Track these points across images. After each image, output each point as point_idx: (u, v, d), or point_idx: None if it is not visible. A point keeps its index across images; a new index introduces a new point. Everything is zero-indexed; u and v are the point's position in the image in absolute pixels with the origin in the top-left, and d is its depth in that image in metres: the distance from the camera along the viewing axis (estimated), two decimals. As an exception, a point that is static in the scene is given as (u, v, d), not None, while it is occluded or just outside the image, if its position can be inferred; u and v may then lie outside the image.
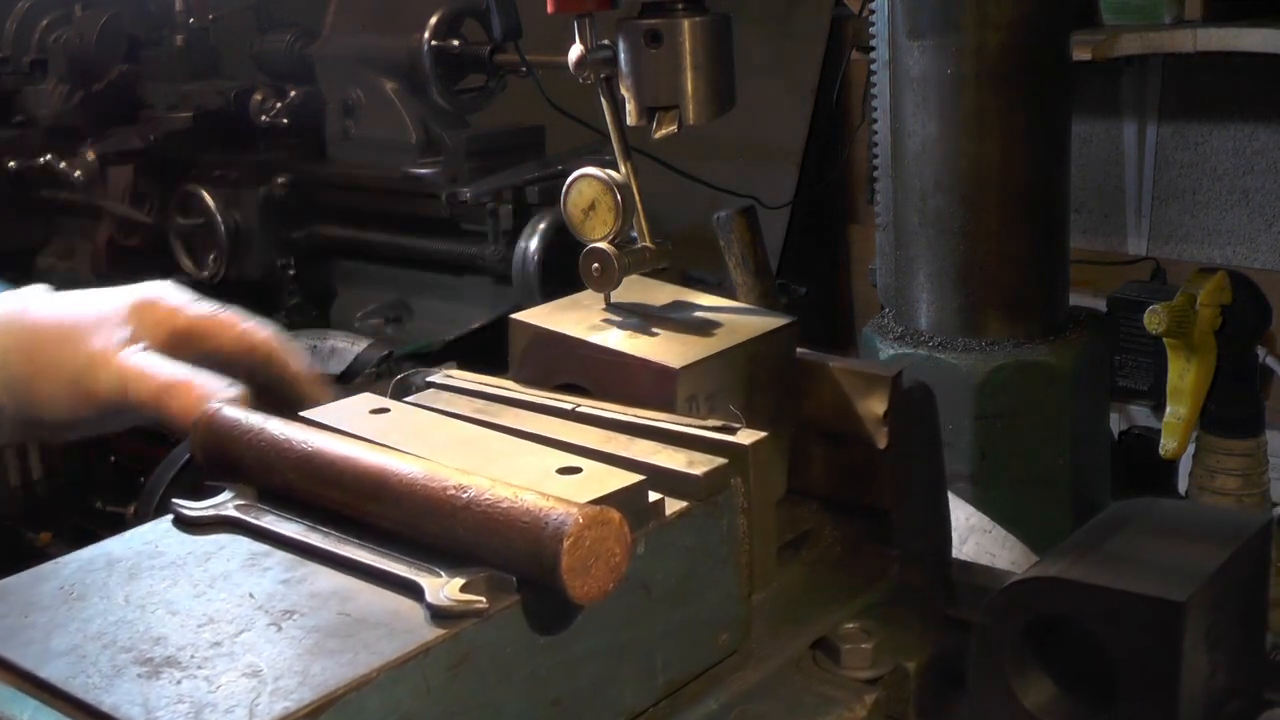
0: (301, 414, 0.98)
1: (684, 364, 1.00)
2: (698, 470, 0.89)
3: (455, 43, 2.90)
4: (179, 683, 0.72)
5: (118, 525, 1.30)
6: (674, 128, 1.11)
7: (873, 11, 2.01)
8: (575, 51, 1.12)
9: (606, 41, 1.13)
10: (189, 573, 0.83)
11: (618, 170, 1.11)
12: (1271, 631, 0.98)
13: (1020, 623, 0.88)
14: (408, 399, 1.06)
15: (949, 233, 1.81)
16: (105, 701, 0.71)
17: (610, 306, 1.11)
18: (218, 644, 0.75)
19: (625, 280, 1.11)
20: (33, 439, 2.53)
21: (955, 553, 1.20)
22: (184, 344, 1.14)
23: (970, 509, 1.55)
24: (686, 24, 1.09)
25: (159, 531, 0.89)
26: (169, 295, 1.18)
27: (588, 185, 1.10)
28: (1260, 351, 2.47)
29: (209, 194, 3.10)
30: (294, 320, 3.10)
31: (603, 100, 1.14)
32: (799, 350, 1.10)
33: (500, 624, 0.76)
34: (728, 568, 0.91)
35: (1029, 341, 1.82)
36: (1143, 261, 3.20)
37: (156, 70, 3.46)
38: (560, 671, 0.80)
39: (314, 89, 3.15)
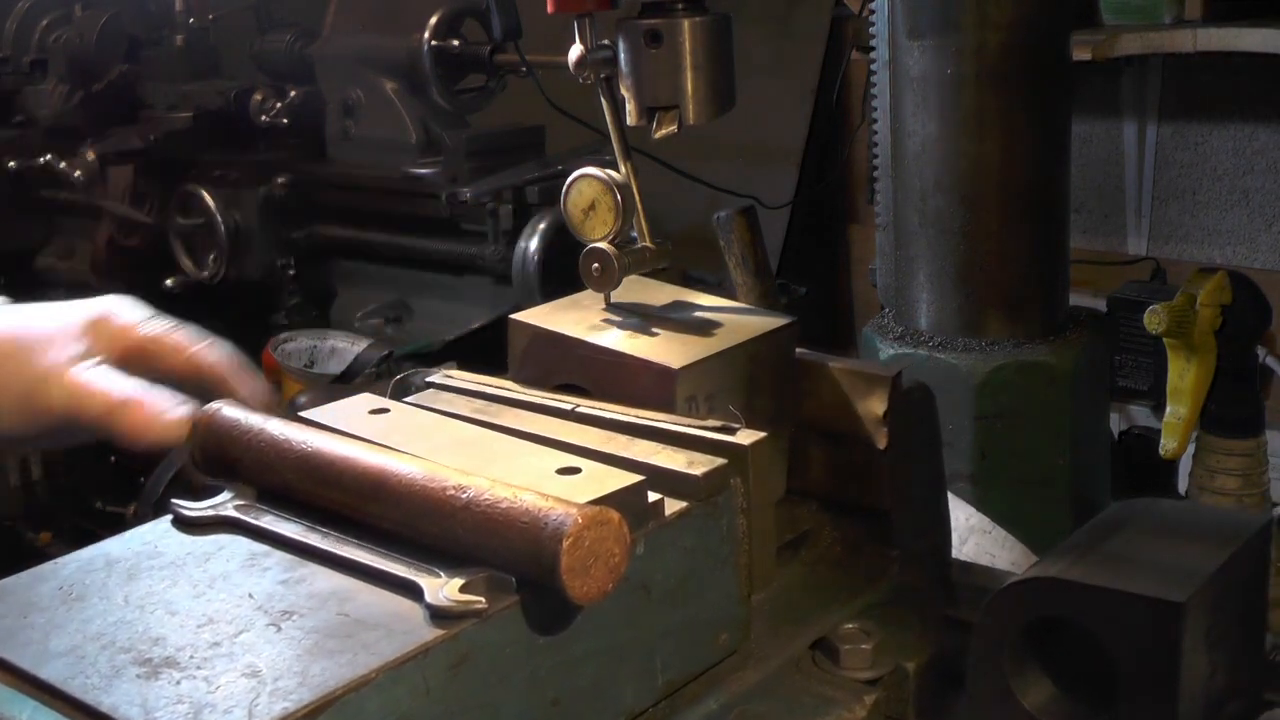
0: (301, 414, 0.98)
1: (683, 364, 1.00)
2: (697, 470, 0.89)
3: (455, 43, 2.90)
4: (178, 683, 0.72)
5: (117, 525, 1.30)
6: (674, 128, 1.11)
7: (873, 11, 2.01)
8: (575, 51, 1.12)
9: (606, 41, 1.13)
10: (188, 573, 0.83)
11: (618, 170, 1.11)
12: (1271, 631, 0.98)
13: (1020, 623, 0.88)
14: (407, 399, 1.06)
15: (949, 233, 1.81)
16: (104, 702, 0.71)
17: (610, 306, 1.11)
18: (217, 644, 0.75)
19: (625, 280, 1.10)
20: None
21: (955, 553, 1.20)
22: (138, 361, 1.12)
23: (970, 509, 1.54)
24: (686, 24, 1.09)
25: (158, 532, 0.89)
26: (124, 311, 1.15)
27: (588, 185, 1.10)
28: (1260, 351, 2.47)
29: (209, 194, 3.10)
30: (294, 320, 3.10)
31: (603, 100, 1.14)
32: (799, 350, 1.10)
33: (499, 624, 0.76)
34: (727, 568, 0.91)
35: (1029, 341, 1.81)
36: (1143, 261, 3.20)
37: (156, 70, 3.46)
38: (560, 672, 0.80)
39: (314, 89, 3.15)
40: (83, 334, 1.12)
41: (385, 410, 0.99)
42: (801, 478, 1.09)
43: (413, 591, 0.77)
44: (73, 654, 0.75)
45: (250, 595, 0.80)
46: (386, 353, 2.58)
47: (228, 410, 0.95)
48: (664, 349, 1.02)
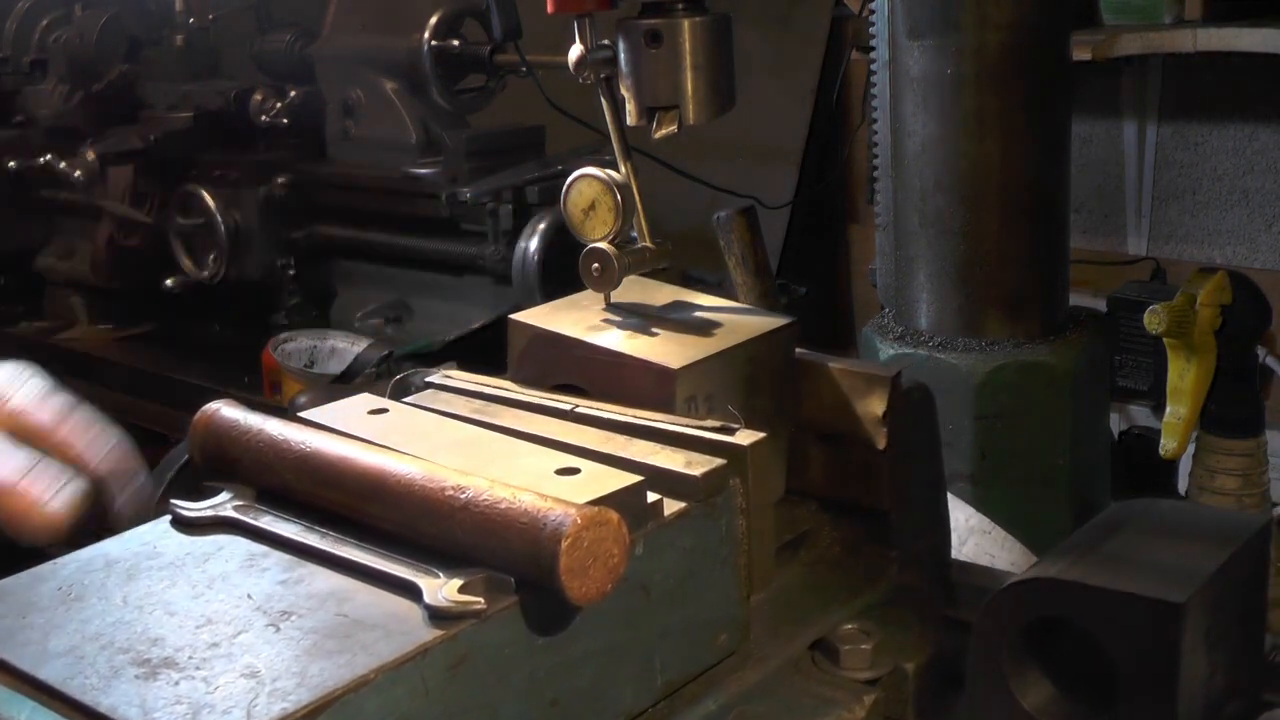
0: (300, 414, 0.98)
1: (683, 364, 1.00)
2: (696, 471, 0.89)
3: (455, 43, 2.90)
4: (177, 684, 0.71)
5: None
6: (674, 128, 1.11)
7: (873, 11, 2.01)
8: (575, 51, 1.12)
9: (606, 41, 1.13)
10: (187, 573, 0.83)
11: (618, 170, 1.11)
12: (1271, 632, 0.98)
13: (1019, 623, 0.88)
14: (406, 399, 1.06)
15: (949, 233, 1.81)
16: (103, 702, 0.71)
17: (610, 307, 1.10)
18: (216, 645, 0.75)
19: (625, 280, 1.10)
20: None
21: (954, 553, 1.20)
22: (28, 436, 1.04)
23: (970, 510, 1.54)
24: (686, 24, 1.09)
25: (157, 532, 0.89)
26: (7, 388, 1.06)
27: (588, 185, 1.10)
28: (1260, 351, 2.47)
29: (209, 194, 3.11)
30: (294, 320, 3.10)
31: (603, 100, 1.14)
32: (798, 350, 1.10)
33: (498, 625, 0.76)
34: (726, 568, 0.91)
35: (1029, 341, 1.81)
36: (1143, 261, 3.20)
37: (156, 70, 3.47)
38: (559, 672, 0.80)
39: (314, 89, 3.16)
40: None
41: (384, 410, 0.99)
42: (801, 478, 1.09)
43: (411, 592, 0.77)
44: (71, 654, 0.75)
45: (249, 596, 0.80)
46: (386, 353, 2.58)
47: (227, 410, 0.95)
48: (663, 349, 1.02)
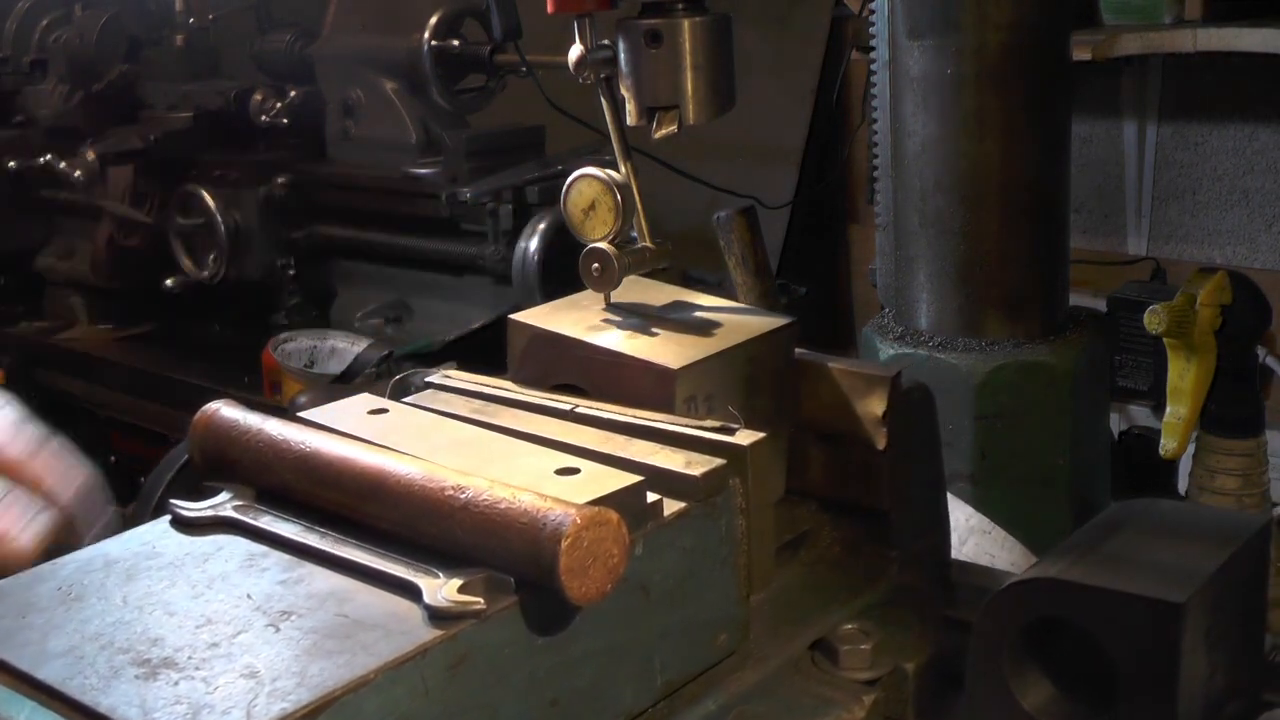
0: (300, 414, 0.98)
1: (683, 364, 1.00)
2: (696, 471, 0.89)
3: (455, 43, 2.90)
4: (176, 684, 0.71)
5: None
6: (674, 128, 1.11)
7: (873, 11, 2.01)
8: (575, 51, 1.12)
9: (606, 41, 1.13)
10: (187, 574, 0.83)
11: (618, 170, 1.11)
12: (1271, 632, 0.98)
13: (1019, 623, 0.88)
14: (406, 399, 1.06)
15: (949, 233, 1.81)
16: (102, 703, 0.71)
17: (610, 307, 1.10)
18: (215, 645, 0.75)
19: (625, 280, 1.10)
20: None
21: (954, 553, 1.20)
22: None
23: (970, 510, 1.54)
24: (686, 24, 1.09)
25: (157, 532, 0.89)
26: None
27: (588, 185, 1.10)
28: (1260, 351, 2.47)
29: (209, 194, 3.11)
30: (294, 320, 3.10)
31: (603, 100, 1.14)
32: (799, 350, 1.10)
33: (498, 625, 0.76)
34: (726, 568, 0.91)
35: (1029, 341, 1.81)
36: (1143, 261, 3.20)
37: (156, 70, 3.47)
38: (558, 672, 0.80)
39: (314, 89, 3.16)
40: None
41: (384, 410, 0.99)
42: (801, 478, 1.09)
43: (411, 592, 0.77)
44: (71, 654, 0.75)
45: (249, 596, 0.80)
46: (386, 353, 2.58)
47: (226, 410, 0.95)
48: (663, 349, 1.02)
